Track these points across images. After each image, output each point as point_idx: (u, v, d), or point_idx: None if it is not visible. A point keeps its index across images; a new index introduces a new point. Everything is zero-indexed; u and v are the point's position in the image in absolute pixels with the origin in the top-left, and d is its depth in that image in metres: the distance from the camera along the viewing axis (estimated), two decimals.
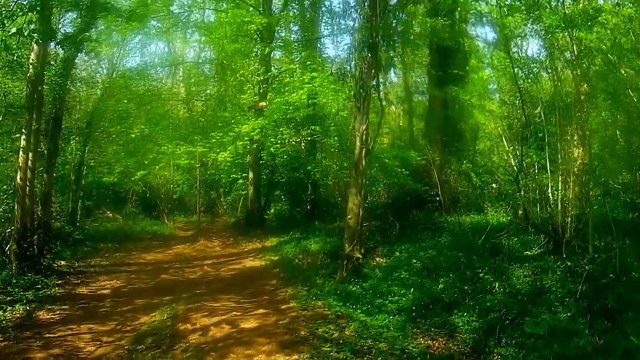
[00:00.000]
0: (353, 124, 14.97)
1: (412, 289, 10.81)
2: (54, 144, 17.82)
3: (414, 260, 13.66)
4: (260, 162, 22.73)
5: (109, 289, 13.65)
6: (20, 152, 13.74)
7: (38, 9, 10.24)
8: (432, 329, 9.19)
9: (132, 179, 23.98)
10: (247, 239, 21.82)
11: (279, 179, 23.48)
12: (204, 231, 24.24)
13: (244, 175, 23.93)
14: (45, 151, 17.74)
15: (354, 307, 10.50)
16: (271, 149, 21.55)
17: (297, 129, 21.88)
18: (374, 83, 14.27)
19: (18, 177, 13.71)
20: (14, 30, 8.95)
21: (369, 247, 17.52)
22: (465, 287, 10.46)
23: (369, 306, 10.56)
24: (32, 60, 13.95)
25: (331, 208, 22.14)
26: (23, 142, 13.73)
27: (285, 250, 18.31)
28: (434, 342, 8.86)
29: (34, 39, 11.71)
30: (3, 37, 9.18)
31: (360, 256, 13.07)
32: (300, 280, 13.78)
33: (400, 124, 26.56)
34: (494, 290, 10.08)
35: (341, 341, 8.36)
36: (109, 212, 25.39)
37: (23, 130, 13.81)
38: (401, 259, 15.33)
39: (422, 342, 8.84)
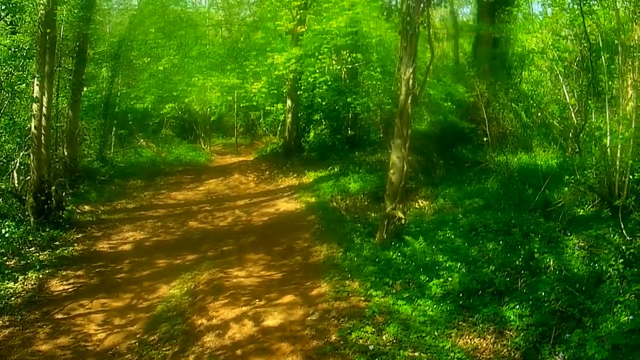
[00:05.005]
0: (398, 66, 13.75)
1: (459, 264, 10.00)
2: (78, 79, 17.18)
3: (460, 216, 12.88)
4: (298, 92, 21.64)
5: (130, 243, 13.25)
6: (34, 99, 12.96)
7: None
8: (480, 323, 8.44)
9: (161, 112, 23.33)
10: (284, 172, 20.88)
11: (319, 102, 22.37)
12: (239, 165, 23.41)
13: (280, 105, 22.95)
14: (69, 87, 17.15)
15: (394, 290, 9.79)
16: (309, 78, 20.44)
17: (339, 52, 20.58)
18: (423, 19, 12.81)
19: (32, 125, 13.05)
20: None
21: (411, 188, 16.82)
22: (517, 263, 9.64)
23: (411, 285, 9.88)
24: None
25: (372, 143, 21.20)
26: (36, 89, 12.96)
27: (322, 190, 17.55)
28: (482, 340, 8.12)
29: None
30: None
31: (403, 216, 11.99)
32: (336, 235, 13.06)
33: (446, 60, 24.86)
34: (548, 270, 9.23)
35: (377, 352, 7.48)
36: (142, 140, 25.18)
37: (36, 75, 12.97)
38: (445, 210, 14.61)
39: (469, 341, 8.14)
